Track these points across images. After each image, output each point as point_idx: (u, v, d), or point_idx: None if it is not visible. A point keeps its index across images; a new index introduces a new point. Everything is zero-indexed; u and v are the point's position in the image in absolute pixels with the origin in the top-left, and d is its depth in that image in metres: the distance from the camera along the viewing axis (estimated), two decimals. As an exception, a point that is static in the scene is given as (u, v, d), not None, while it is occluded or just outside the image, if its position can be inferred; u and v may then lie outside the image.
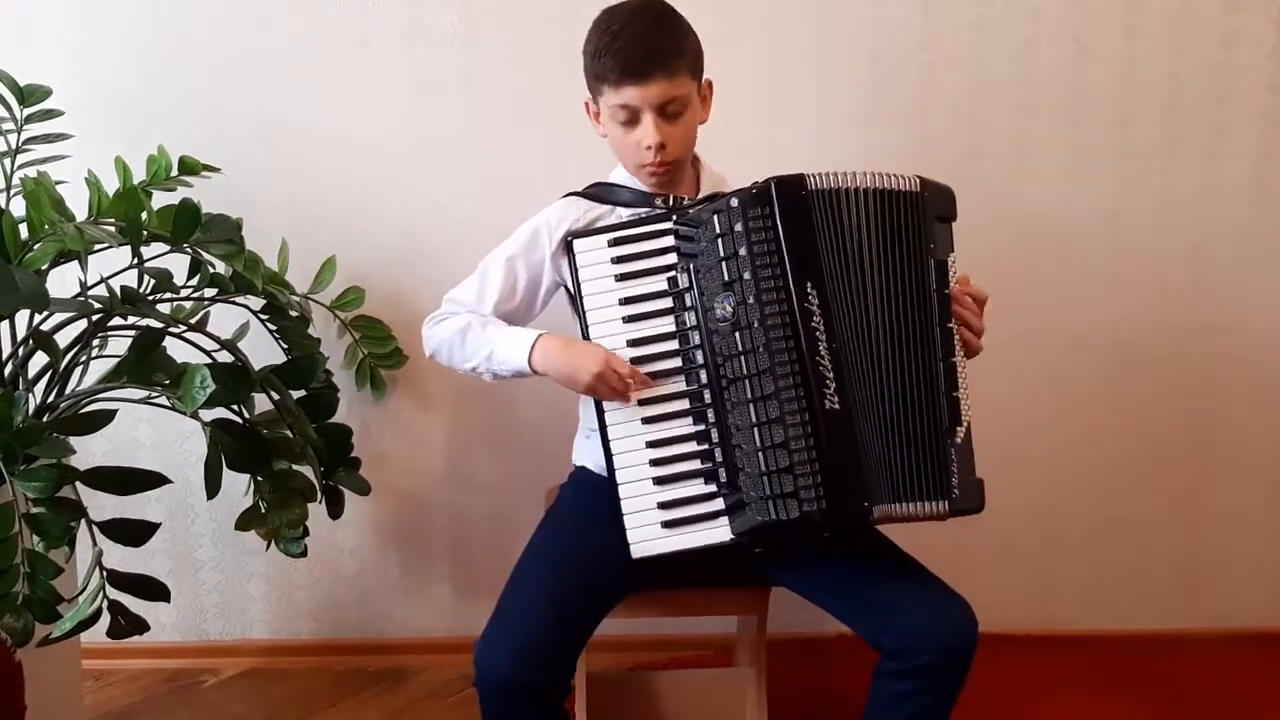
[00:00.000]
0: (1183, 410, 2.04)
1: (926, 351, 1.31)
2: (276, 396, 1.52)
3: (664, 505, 1.32)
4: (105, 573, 1.38)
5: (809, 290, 1.27)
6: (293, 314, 1.69)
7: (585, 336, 1.35)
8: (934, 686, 1.29)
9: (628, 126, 1.37)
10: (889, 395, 1.29)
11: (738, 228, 1.28)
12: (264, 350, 1.70)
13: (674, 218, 1.35)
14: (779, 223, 1.27)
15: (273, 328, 1.70)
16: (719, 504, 1.32)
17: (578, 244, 1.36)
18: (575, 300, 1.37)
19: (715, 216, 1.30)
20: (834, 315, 1.28)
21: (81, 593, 1.37)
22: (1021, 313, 1.96)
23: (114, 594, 1.39)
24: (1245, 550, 2.11)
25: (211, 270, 1.58)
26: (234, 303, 1.65)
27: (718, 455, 1.32)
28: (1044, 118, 1.88)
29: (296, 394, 1.61)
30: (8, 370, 1.50)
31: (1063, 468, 2.06)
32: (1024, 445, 2.03)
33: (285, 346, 1.71)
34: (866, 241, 1.30)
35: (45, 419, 1.47)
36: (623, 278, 1.35)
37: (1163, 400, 2.03)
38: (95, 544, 1.38)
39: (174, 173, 1.63)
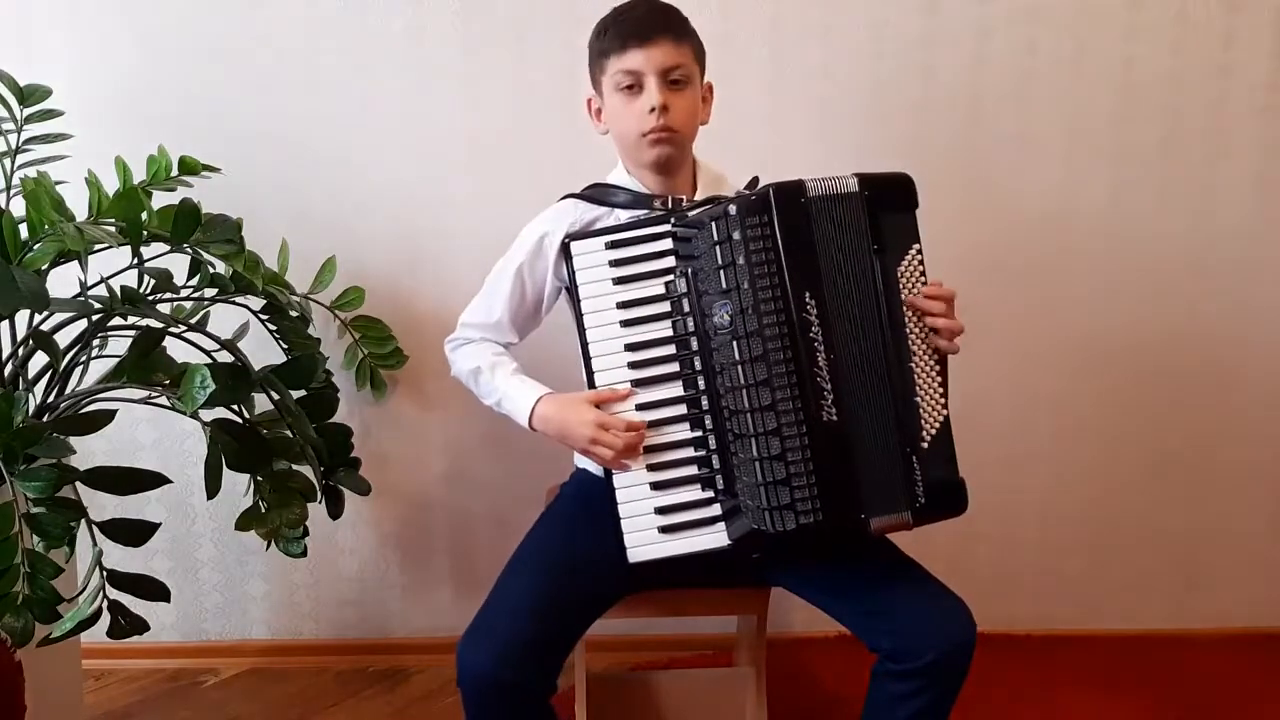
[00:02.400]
0: (1183, 410, 2.04)
1: (882, 356, 1.27)
2: (276, 396, 1.52)
3: (661, 510, 1.31)
4: (105, 573, 1.38)
5: (807, 300, 1.25)
6: (293, 314, 1.69)
7: (583, 340, 1.34)
8: (933, 686, 1.29)
9: (630, 94, 1.38)
10: (861, 405, 1.27)
11: (735, 236, 1.26)
12: (264, 350, 1.70)
13: (672, 220, 1.34)
14: (778, 231, 1.25)
15: (273, 328, 1.70)
16: (716, 510, 1.31)
17: (575, 246, 1.35)
18: (574, 303, 1.37)
19: (714, 223, 1.27)
20: (832, 326, 1.26)
21: (81, 592, 1.37)
22: (1020, 312, 1.96)
23: (114, 594, 1.39)
24: (1245, 550, 2.11)
25: (211, 270, 1.58)
26: (234, 303, 1.65)
27: (715, 461, 1.31)
28: (1044, 118, 1.88)
29: (296, 394, 1.61)
30: (8, 370, 1.50)
31: (1063, 468, 2.06)
32: (1024, 445, 2.03)
33: (285, 346, 1.71)
34: (837, 247, 1.26)
35: (45, 419, 1.47)
36: (620, 281, 1.33)
37: (1163, 400, 2.03)
38: (95, 544, 1.37)
39: (174, 173, 1.63)
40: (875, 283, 1.28)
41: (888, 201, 1.29)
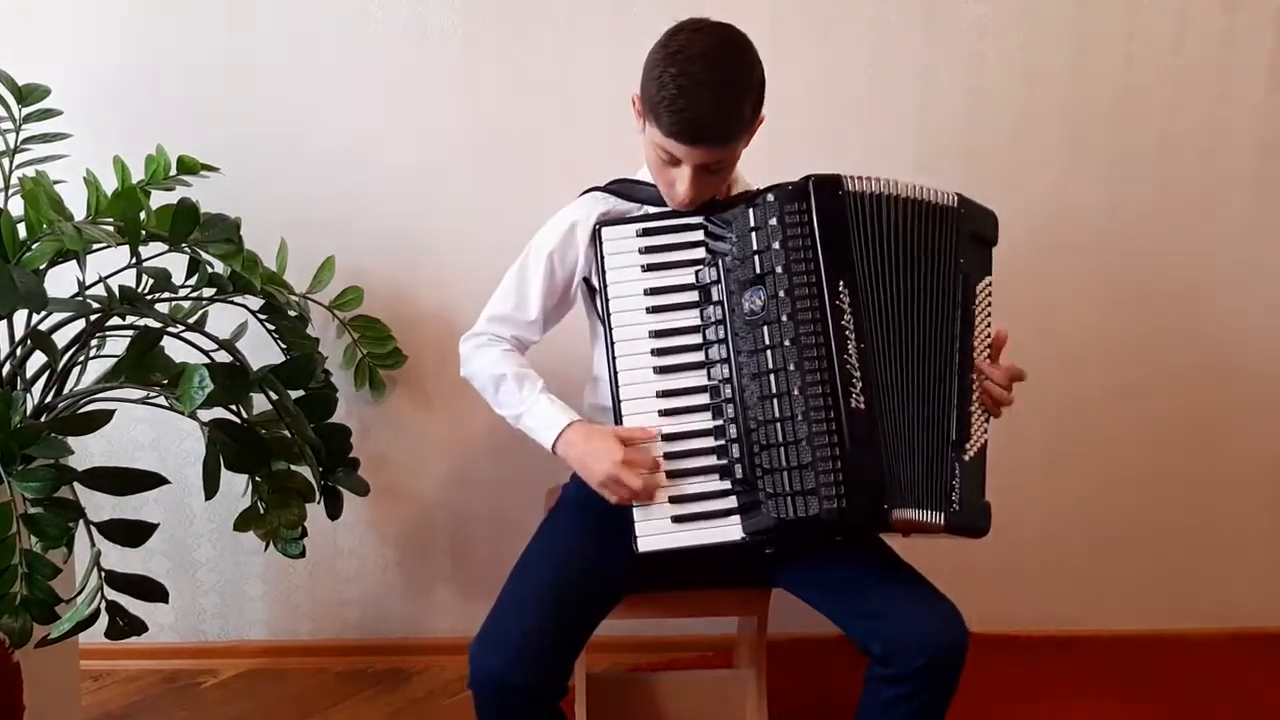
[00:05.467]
0: (1182, 410, 2.04)
1: (943, 363, 1.31)
2: (275, 396, 1.52)
3: (675, 500, 1.31)
4: (103, 573, 1.38)
5: (841, 289, 1.27)
6: (291, 314, 1.69)
7: (607, 326, 1.34)
8: (924, 691, 1.28)
9: (665, 164, 1.32)
10: (903, 400, 1.29)
11: (772, 222, 1.28)
12: (262, 350, 1.70)
13: (706, 214, 1.35)
14: (815, 219, 1.27)
15: (271, 327, 1.70)
16: (732, 502, 1.31)
17: (606, 232, 1.36)
18: (598, 291, 1.37)
19: (750, 210, 1.29)
20: (863, 316, 1.27)
21: (79, 593, 1.37)
22: (1021, 313, 1.95)
23: (112, 595, 1.39)
24: (1245, 550, 2.11)
25: (210, 270, 1.58)
26: (232, 302, 1.65)
27: (734, 451, 1.30)
28: (1044, 118, 1.88)
29: (295, 394, 1.61)
30: (6, 370, 1.50)
31: (1063, 467, 2.06)
32: (1024, 444, 2.03)
33: (284, 346, 1.70)
34: (897, 248, 1.30)
35: (43, 419, 1.46)
36: (650, 268, 1.35)
37: (1162, 399, 2.03)
38: (93, 544, 1.37)
39: (172, 172, 1.63)
40: (955, 292, 1.33)
41: (975, 226, 1.36)
